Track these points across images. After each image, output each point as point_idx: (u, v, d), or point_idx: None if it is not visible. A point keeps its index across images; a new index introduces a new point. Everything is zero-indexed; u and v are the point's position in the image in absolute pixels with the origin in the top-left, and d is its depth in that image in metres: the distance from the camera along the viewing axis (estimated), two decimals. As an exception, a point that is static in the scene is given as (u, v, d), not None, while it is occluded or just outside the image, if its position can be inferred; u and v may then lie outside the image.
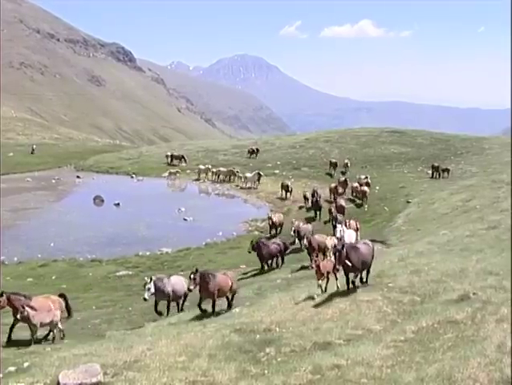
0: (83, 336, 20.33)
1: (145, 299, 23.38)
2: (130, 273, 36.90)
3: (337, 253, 19.28)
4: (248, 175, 67.54)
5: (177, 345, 15.91)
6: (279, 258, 36.74)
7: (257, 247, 35.47)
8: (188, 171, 77.57)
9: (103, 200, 60.80)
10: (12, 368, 16.50)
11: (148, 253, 42.19)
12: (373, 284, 20.01)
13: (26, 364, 16.78)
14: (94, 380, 12.94)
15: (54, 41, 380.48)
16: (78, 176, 78.36)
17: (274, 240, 37.98)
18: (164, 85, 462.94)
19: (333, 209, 47.96)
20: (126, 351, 16.01)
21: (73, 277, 36.75)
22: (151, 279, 23.35)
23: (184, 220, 53.15)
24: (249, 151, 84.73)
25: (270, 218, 47.10)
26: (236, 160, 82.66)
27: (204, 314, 22.32)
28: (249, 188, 66.75)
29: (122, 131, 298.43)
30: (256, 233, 48.24)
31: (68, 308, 22.20)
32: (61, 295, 22.33)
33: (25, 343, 19.66)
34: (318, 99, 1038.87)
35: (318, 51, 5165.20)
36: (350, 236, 35.70)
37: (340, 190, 58.43)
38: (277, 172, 73.42)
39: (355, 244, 22.06)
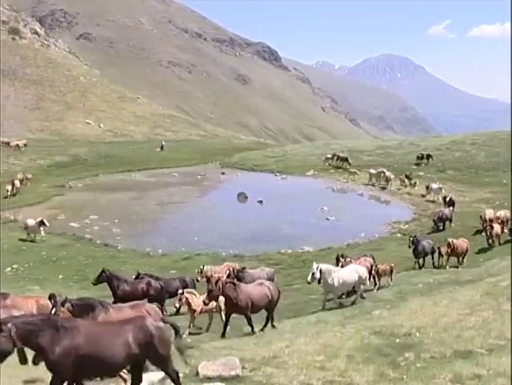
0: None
1: None
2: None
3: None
4: (434, 186, 62.29)
5: (316, 344, 15.87)
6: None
7: (107, 281, 23.42)
8: (332, 170, 77.69)
9: (246, 197, 61.79)
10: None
11: (289, 251, 42.49)
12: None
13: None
14: (232, 373, 13.11)
15: (202, 40, 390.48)
16: (222, 173, 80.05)
17: (167, 279, 27.88)
18: (309, 84, 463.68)
19: (442, 249, 36.00)
20: (265, 347, 16.19)
21: (215, 271, 37.51)
22: None
23: (327, 219, 53.13)
24: (418, 157, 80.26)
25: (202, 272, 31.34)
26: (380, 160, 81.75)
27: (343, 314, 22.20)
28: (432, 201, 60.01)
29: (267, 130, 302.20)
30: (399, 235, 47.57)
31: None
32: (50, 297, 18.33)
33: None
34: (464, 100, 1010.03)
35: (466, 51, 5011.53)
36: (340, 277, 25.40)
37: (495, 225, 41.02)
38: (421, 174, 72.12)
39: None
